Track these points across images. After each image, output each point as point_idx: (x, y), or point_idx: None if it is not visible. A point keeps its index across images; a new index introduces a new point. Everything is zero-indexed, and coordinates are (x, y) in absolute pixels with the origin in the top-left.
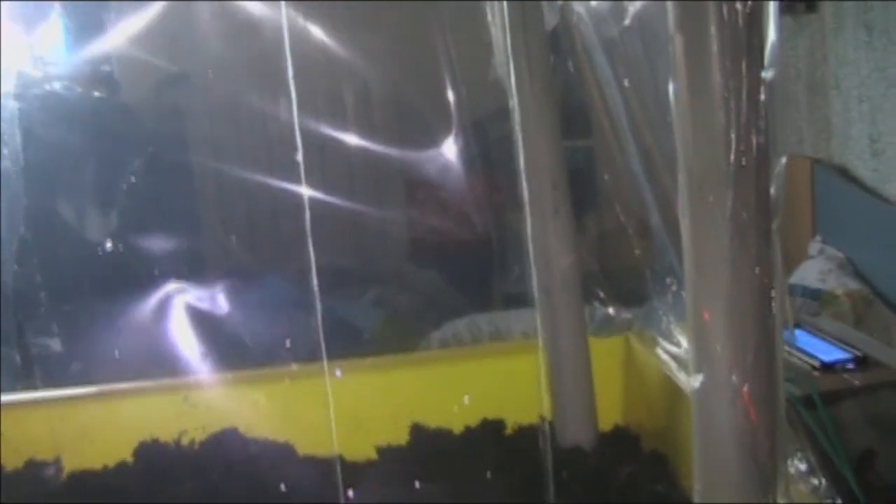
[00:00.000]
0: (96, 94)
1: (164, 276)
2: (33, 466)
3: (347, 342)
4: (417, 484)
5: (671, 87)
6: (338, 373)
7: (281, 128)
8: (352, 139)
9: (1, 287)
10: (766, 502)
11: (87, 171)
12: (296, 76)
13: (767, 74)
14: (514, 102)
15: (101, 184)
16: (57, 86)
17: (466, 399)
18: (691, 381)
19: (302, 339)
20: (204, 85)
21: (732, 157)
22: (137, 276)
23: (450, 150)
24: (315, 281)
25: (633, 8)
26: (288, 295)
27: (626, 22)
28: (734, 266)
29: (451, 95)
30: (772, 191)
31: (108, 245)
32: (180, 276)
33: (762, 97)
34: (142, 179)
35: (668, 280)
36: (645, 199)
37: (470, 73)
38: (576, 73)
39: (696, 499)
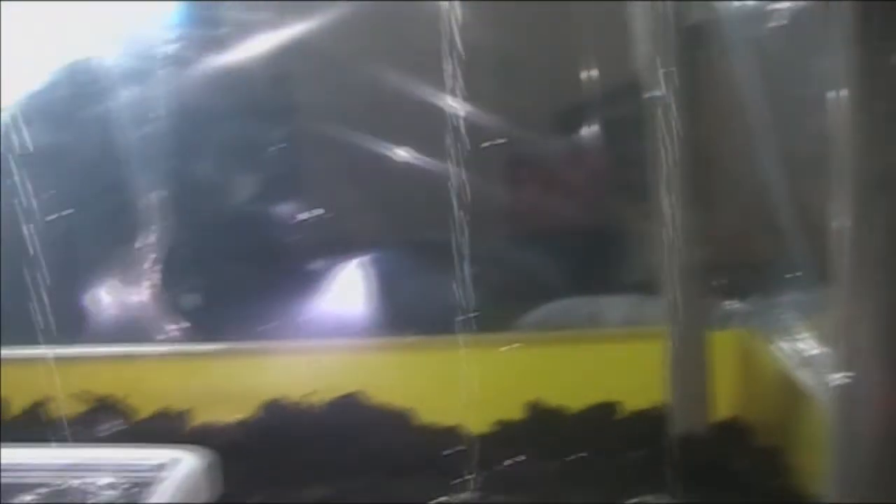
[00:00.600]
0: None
1: (300, 242)
2: (163, 416)
3: (445, 317)
4: (533, 458)
5: (835, 92)
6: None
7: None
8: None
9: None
10: None
11: (228, 135)
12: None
13: None
14: (650, 93)
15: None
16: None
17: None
18: (831, 379)
19: (415, 311)
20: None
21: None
22: (276, 240)
23: (564, 131)
24: (457, 254)
25: (782, 8)
26: (410, 267)
27: (775, 23)
28: (890, 270)
29: (581, 75)
30: None
31: (250, 207)
32: (315, 242)
33: None
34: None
35: (791, 277)
36: (776, 196)
37: (601, 57)
38: (714, 70)
39: (833, 498)
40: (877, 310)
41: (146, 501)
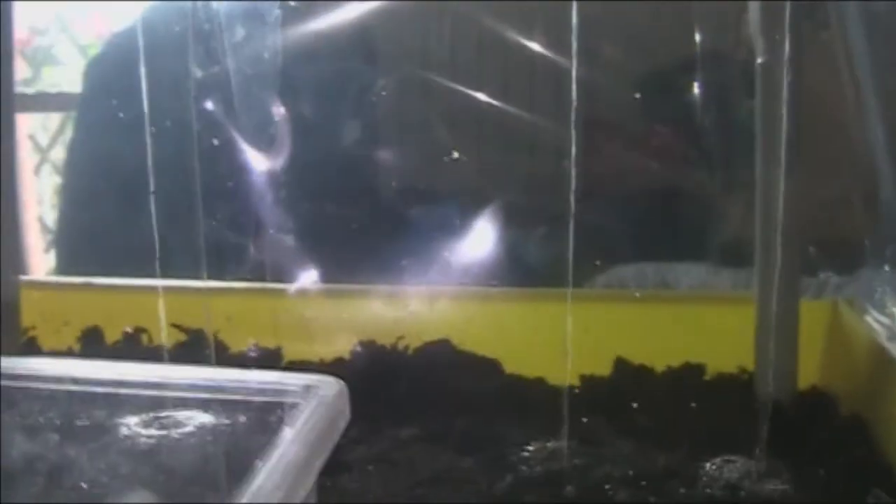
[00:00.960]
0: None
1: (407, 189)
2: (256, 350)
3: (517, 275)
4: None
5: None
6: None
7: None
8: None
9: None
10: None
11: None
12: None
13: None
14: (760, 60)
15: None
16: None
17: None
18: None
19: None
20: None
21: None
22: (370, 185)
23: (664, 91)
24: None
25: None
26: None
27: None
28: None
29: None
30: None
31: (347, 153)
32: (413, 191)
33: None
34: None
35: (889, 250)
36: (880, 169)
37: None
38: (827, 41)
39: None
40: None
41: (287, 428)
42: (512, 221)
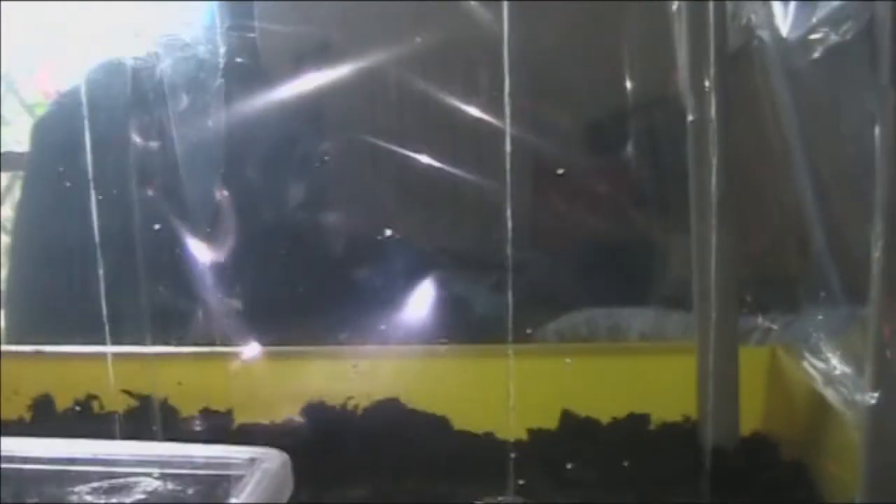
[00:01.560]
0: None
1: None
2: (208, 415)
3: (465, 324)
4: (568, 465)
5: (877, 130)
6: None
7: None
8: (494, 123)
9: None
10: None
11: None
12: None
13: None
14: (691, 118)
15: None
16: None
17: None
18: (866, 399)
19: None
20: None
21: None
22: (317, 249)
23: (589, 142)
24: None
25: (824, 41)
26: (445, 276)
27: (816, 55)
28: None
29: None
30: None
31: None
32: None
33: None
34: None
35: (821, 296)
36: (809, 218)
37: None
38: (754, 96)
39: None
40: None
41: (233, 501)
42: (460, 277)
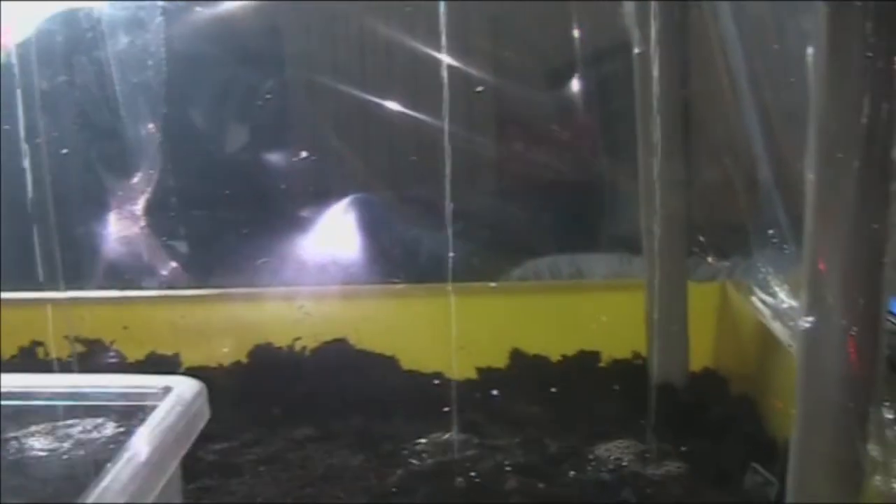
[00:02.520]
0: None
1: (286, 190)
2: (154, 358)
3: (429, 270)
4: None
5: (809, 50)
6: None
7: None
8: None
9: None
10: (859, 439)
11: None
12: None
13: None
14: (638, 50)
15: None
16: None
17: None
18: (800, 323)
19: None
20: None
21: (864, 119)
22: (261, 188)
23: (549, 87)
24: (449, 206)
25: None
26: (394, 217)
27: None
28: (855, 220)
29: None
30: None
31: (237, 156)
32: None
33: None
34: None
35: (770, 233)
36: (756, 153)
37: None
38: (698, 27)
39: (794, 430)
40: (841, 258)
41: (141, 427)
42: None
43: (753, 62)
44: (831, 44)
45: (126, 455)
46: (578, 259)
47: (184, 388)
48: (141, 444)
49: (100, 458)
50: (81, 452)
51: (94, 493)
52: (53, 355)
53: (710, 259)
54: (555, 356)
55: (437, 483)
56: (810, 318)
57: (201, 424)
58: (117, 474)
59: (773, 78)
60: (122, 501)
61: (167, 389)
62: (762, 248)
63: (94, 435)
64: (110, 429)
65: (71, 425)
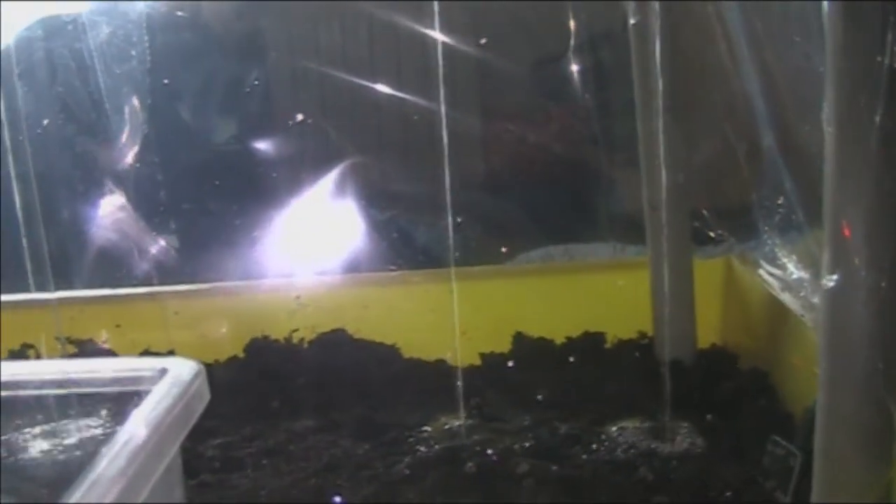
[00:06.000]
0: None
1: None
2: (148, 356)
3: (423, 265)
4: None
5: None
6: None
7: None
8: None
9: None
10: (891, 400)
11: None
12: None
13: None
14: (633, 21)
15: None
16: None
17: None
18: (824, 283)
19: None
20: None
21: (886, 62)
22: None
23: (536, 77)
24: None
25: None
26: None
27: None
28: (878, 171)
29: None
30: None
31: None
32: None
33: None
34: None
35: (776, 202)
36: (759, 120)
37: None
38: None
39: (819, 392)
40: (865, 212)
41: (136, 410)
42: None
43: (753, 23)
44: None
45: (121, 440)
46: (572, 249)
47: (181, 369)
48: (137, 427)
49: (93, 447)
50: (75, 441)
51: (89, 480)
52: (45, 357)
53: (713, 233)
54: (559, 338)
55: (447, 469)
56: (834, 277)
57: (201, 407)
58: (112, 460)
59: (774, 37)
60: (118, 487)
61: (163, 371)
62: (768, 218)
63: (89, 422)
64: (105, 415)
65: (63, 414)
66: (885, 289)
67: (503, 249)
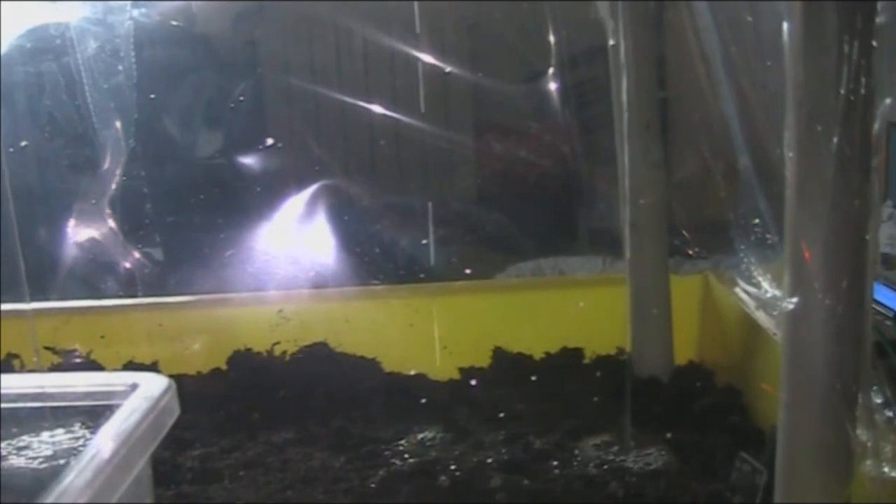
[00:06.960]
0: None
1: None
2: (132, 367)
3: (405, 279)
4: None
5: (785, 26)
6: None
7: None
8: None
9: None
10: (848, 421)
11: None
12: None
13: (880, 19)
14: (612, 42)
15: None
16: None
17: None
18: (784, 305)
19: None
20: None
21: (842, 92)
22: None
23: (525, 92)
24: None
25: None
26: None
27: None
28: (835, 196)
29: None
30: (875, 129)
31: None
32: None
33: (873, 41)
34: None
35: (751, 222)
36: (734, 141)
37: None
38: (674, 17)
39: (780, 411)
40: (823, 236)
41: (106, 425)
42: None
43: (729, 48)
44: (807, 14)
45: (89, 453)
46: (562, 262)
47: (151, 384)
48: (104, 441)
49: (64, 459)
50: (47, 453)
51: (56, 492)
52: (30, 367)
53: (691, 251)
54: (538, 354)
55: (421, 482)
56: (794, 299)
57: (170, 421)
58: (80, 472)
59: (750, 63)
60: (85, 498)
61: (134, 386)
62: (744, 237)
63: (62, 435)
64: (78, 429)
65: (38, 427)
66: (843, 310)
67: (467, 271)
